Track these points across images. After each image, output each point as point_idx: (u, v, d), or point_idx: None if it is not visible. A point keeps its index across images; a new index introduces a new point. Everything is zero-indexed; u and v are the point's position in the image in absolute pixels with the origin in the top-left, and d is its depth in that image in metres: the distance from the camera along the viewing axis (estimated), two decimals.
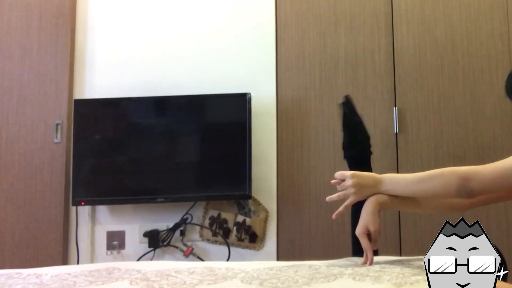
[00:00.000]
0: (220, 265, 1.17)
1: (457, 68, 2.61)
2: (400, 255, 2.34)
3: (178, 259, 2.58)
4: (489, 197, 1.25)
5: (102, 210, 2.69)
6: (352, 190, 1.24)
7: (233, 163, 2.62)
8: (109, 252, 2.66)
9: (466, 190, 1.11)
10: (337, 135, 2.63)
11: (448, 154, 2.55)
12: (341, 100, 1.78)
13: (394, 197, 1.25)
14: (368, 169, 1.68)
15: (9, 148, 2.67)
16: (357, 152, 1.71)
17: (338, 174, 1.29)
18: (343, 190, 1.26)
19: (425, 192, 1.21)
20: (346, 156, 1.73)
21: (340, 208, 1.26)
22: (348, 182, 1.25)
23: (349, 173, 1.26)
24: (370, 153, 1.74)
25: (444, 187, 1.15)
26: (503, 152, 1.18)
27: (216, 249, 2.65)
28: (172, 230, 2.62)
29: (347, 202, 1.25)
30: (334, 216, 1.28)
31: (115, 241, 2.66)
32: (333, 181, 1.29)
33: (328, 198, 1.30)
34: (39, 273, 1.13)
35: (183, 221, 2.63)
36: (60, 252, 2.60)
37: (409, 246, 2.48)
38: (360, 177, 1.25)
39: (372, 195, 1.25)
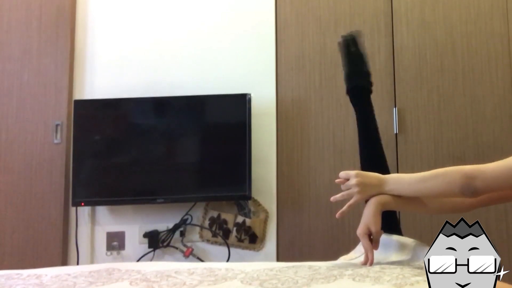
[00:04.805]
0: (220, 266, 1.17)
1: (457, 68, 2.61)
2: None
3: (178, 260, 2.58)
4: (491, 198, 1.25)
5: (102, 210, 2.69)
6: (356, 189, 1.24)
7: (233, 164, 2.62)
8: (109, 253, 2.66)
9: (470, 188, 1.11)
10: (337, 135, 2.64)
11: (448, 154, 2.55)
12: (346, 34, 1.73)
13: (397, 197, 1.25)
14: (369, 104, 1.67)
15: (9, 148, 2.66)
16: (360, 83, 1.67)
17: (343, 173, 1.29)
18: (347, 189, 1.26)
19: (429, 191, 1.21)
20: (349, 88, 1.70)
21: (344, 208, 1.26)
22: (352, 181, 1.25)
23: (353, 172, 1.26)
24: (371, 90, 1.71)
25: (448, 185, 1.15)
26: (503, 153, 1.18)
27: (216, 249, 2.64)
28: (172, 230, 2.62)
29: (351, 201, 1.25)
30: (337, 215, 1.27)
31: (115, 242, 2.66)
32: (337, 180, 1.29)
33: (332, 198, 1.29)
34: (39, 273, 1.12)
35: (183, 222, 2.63)
36: (60, 253, 2.60)
37: None
38: (364, 177, 1.25)
39: (376, 194, 1.25)
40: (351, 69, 1.70)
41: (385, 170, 1.60)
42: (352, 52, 1.68)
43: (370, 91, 1.70)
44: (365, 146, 1.67)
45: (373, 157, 1.66)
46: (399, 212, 2.46)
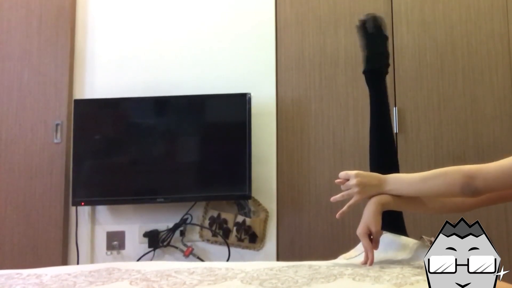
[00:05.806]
0: (220, 266, 1.17)
1: (457, 68, 2.61)
2: None
3: (178, 260, 2.58)
4: (491, 198, 1.25)
5: (102, 210, 2.69)
6: (356, 190, 1.24)
7: (233, 164, 2.62)
8: (109, 253, 2.66)
9: (470, 188, 1.11)
10: (337, 135, 2.64)
11: (448, 154, 2.55)
12: (365, 17, 1.69)
13: (397, 197, 1.25)
14: (384, 86, 1.67)
15: (9, 148, 2.66)
16: (378, 65, 1.67)
17: (343, 173, 1.29)
18: (347, 189, 1.26)
19: (429, 191, 1.21)
20: (366, 69, 1.69)
21: (344, 208, 1.26)
22: (352, 181, 1.25)
23: (353, 172, 1.26)
24: (387, 71, 1.71)
25: (449, 185, 1.15)
26: (503, 152, 1.18)
27: (216, 249, 2.64)
28: (172, 230, 2.62)
29: (351, 201, 1.25)
30: (337, 215, 1.28)
31: (115, 242, 2.66)
32: (337, 180, 1.29)
33: (332, 199, 1.30)
34: (39, 273, 1.13)
35: (183, 222, 2.63)
36: (60, 253, 2.60)
37: None
38: (364, 177, 1.25)
39: (376, 194, 1.25)
40: (371, 51, 1.68)
41: (393, 154, 1.63)
42: (372, 33, 1.66)
43: (386, 72, 1.69)
44: (377, 127, 1.66)
45: (383, 140, 1.66)
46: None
